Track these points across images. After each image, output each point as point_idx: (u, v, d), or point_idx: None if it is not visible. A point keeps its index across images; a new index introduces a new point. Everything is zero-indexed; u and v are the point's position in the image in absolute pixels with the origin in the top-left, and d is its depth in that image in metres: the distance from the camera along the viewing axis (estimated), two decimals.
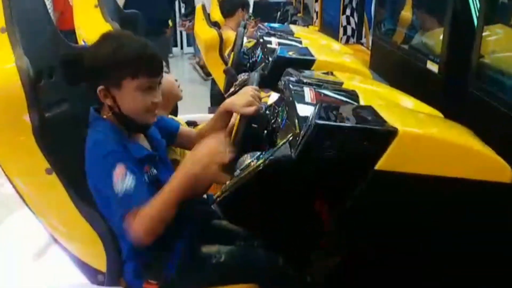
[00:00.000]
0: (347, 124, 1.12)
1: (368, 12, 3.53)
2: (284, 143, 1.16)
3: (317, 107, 1.20)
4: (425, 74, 1.91)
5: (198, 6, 4.24)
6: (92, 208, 1.36)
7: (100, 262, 1.44)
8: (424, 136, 1.12)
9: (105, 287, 1.44)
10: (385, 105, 1.48)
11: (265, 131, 1.51)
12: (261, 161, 1.13)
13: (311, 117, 1.13)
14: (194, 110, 3.15)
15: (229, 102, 1.49)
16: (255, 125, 1.49)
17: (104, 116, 1.37)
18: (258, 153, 1.23)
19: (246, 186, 1.12)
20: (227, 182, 1.18)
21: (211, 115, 1.68)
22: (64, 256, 1.50)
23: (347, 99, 1.50)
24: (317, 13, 4.18)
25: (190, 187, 1.24)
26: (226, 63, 3.35)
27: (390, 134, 1.06)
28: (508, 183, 1.11)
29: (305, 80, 1.62)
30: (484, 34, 1.63)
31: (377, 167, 1.07)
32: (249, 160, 1.22)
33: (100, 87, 1.32)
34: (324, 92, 1.52)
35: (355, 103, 1.45)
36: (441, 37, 1.90)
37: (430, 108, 1.62)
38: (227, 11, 4.08)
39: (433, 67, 1.89)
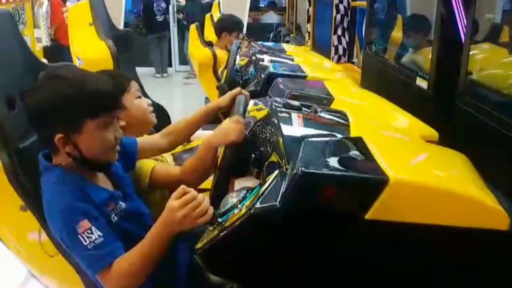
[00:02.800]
0: (336, 172, 1.04)
1: (359, 32, 3.59)
2: (269, 186, 1.11)
3: (303, 146, 1.15)
4: (415, 90, 1.94)
5: (192, 26, 4.30)
6: None
7: None
8: (416, 185, 1.05)
9: None
10: (376, 134, 1.43)
11: (253, 155, 1.46)
12: (243, 210, 1.07)
13: (297, 161, 1.07)
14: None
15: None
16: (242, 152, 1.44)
17: (59, 162, 1.25)
18: (243, 192, 1.19)
19: (229, 237, 1.07)
20: (210, 228, 1.15)
21: (206, 132, 1.68)
22: None
23: (336, 123, 1.47)
24: (309, 33, 4.25)
25: (170, 238, 1.19)
26: (219, 80, 3.39)
27: (381, 183, 1.00)
28: (506, 231, 1.05)
29: (292, 104, 1.58)
30: (471, 52, 1.68)
31: (367, 216, 1.01)
32: (234, 199, 1.19)
33: (58, 136, 1.18)
34: (312, 120, 1.48)
35: (345, 130, 1.41)
36: (430, 55, 1.94)
37: (423, 124, 1.64)
38: (216, 32, 4.16)
39: (422, 83, 1.93)
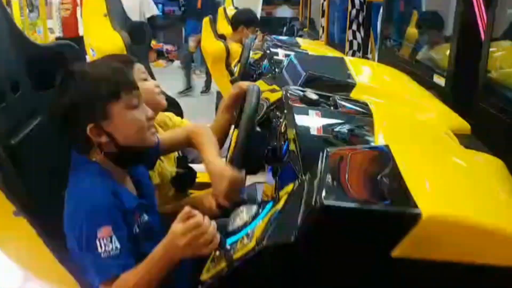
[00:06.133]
0: (360, 206, 0.90)
1: (374, 27, 3.56)
2: (282, 213, 1.01)
3: (323, 162, 1.01)
4: (431, 87, 1.91)
5: (205, 19, 4.28)
6: (66, 251, 1.22)
7: None
8: (452, 220, 0.89)
9: None
10: (403, 138, 1.29)
11: (266, 151, 1.40)
12: (253, 242, 0.97)
13: (314, 185, 0.94)
14: (200, 121, 3.16)
15: (206, 165, 1.34)
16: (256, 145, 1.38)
17: (93, 159, 1.23)
18: (254, 208, 1.11)
19: (237, 273, 0.99)
20: (217, 253, 1.07)
21: None
22: None
23: (358, 121, 1.36)
24: (323, 27, 4.21)
25: (172, 264, 1.12)
26: (232, 74, 3.37)
27: (412, 218, 0.86)
28: None
29: (310, 96, 1.44)
30: (491, 49, 1.65)
31: (393, 254, 0.88)
32: (245, 216, 1.10)
33: (90, 126, 1.17)
34: (332, 119, 1.35)
35: (368, 131, 1.29)
36: (448, 52, 1.92)
37: (454, 114, 1.55)
38: (232, 25, 4.13)
39: (439, 80, 1.90)
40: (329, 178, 0.95)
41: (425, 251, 0.89)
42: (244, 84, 1.56)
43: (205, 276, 1.05)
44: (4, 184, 1.14)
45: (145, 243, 1.21)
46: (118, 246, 1.12)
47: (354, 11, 3.26)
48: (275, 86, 1.77)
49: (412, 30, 2.69)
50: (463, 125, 1.50)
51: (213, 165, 1.33)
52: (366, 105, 1.44)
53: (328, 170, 0.98)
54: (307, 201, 0.92)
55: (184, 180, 1.66)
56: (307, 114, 1.32)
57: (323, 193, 0.89)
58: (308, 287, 0.96)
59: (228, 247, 1.05)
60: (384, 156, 1.05)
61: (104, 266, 1.12)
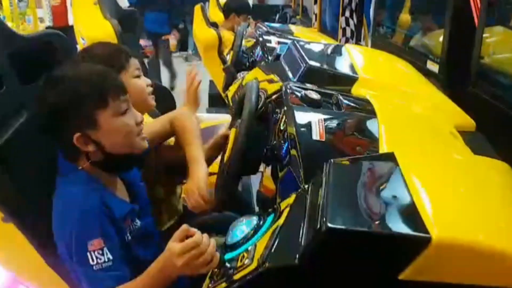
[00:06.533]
0: (368, 229, 0.86)
1: (367, 14, 3.53)
2: (285, 228, 0.97)
3: (327, 176, 0.97)
4: (425, 73, 1.91)
5: (197, 6, 4.24)
6: (58, 258, 1.19)
7: None
8: (461, 245, 0.86)
9: None
10: (409, 143, 1.25)
11: (265, 150, 1.37)
12: (254, 263, 0.93)
13: (319, 212, 0.89)
14: None
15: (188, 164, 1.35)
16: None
17: (80, 167, 1.18)
18: (255, 220, 1.07)
19: None
20: (215, 270, 1.03)
21: (210, 115, 1.62)
22: None
23: (361, 122, 1.31)
24: (316, 15, 4.18)
25: (169, 281, 1.09)
26: (224, 62, 3.35)
27: (421, 242, 0.83)
28: None
29: (311, 96, 1.38)
30: (484, 35, 1.64)
31: (401, 276, 0.86)
32: (245, 228, 1.06)
33: (77, 135, 1.12)
34: (333, 122, 1.31)
35: (372, 138, 1.23)
36: (441, 38, 1.90)
37: (458, 110, 1.51)
38: (224, 13, 4.11)
39: (433, 67, 1.89)
40: (333, 195, 0.92)
41: (434, 274, 0.86)
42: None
43: None
44: None
45: (138, 248, 1.19)
46: (110, 257, 1.09)
47: None
48: (273, 76, 1.72)
49: (405, 17, 2.68)
50: (468, 121, 1.45)
51: (192, 172, 1.33)
52: (370, 104, 1.39)
53: (332, 186, 0.94)
54: (311, 222, 0.90)
55: None
56: (309, 116, 1.26)
57: (328, 215, 0.86)
58: None
59: (228, 265, 1.01)
60: (391, 169, 1.02)
61: (97, 279, 1.09)
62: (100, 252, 1.08)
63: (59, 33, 1.51)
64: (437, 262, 0.85)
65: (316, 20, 4.17)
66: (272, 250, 0.93)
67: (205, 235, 1.05)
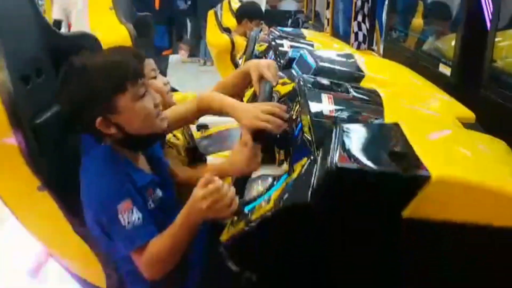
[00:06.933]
0: (372, 168, 0.95)
1: (379, 19, 3.54)
2: (298, 175, 1.06)
3: (336, 133, 1.06)
4: (437, 77, 1.91)
5: (210, 12, 4.28)
6: (86, 226, 1.29)
7: (100, 279, 1.38)
8: (460, 182, 0.95)
9: None
10: (413, 119, 1.34)
11: (277, 135, 1.40)
12: (271, 204, 1.04)
13: (329, 151, 0.99)
14: None
15: (228, 109, 1.38)
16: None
17: (103, 144, 1.28)
18: (270, 179, 1.16)
19: (255, 232, 1.05)
20: (235, 217, 1.13)
21: (223, 118, 1.64)
22: (64, 272, 1.46)
23: (369, 104, 1.39)
24: (328, 19, 4.20)
25: (196, 227, 1.20)
26: (237, 67, 3.38)
27: (421, 180, 0.92)
28: None
29: (322, 82, 1.48)
30: (496, 39, 1.65)
31: (404, 214, 0.94)
32: (260, 187, 1.16)
33: (99, 119, 1.20)
34: (343, 101, 1.38)
35: (379, 113, 1.32)
36: (453, 42, 1.91)
37: (459, 104, 1.56)
38: (237, 18, 4.15)
39: (445, 70, 1.90)
40: (342, 146, 1.00)
41: (434, 211, 0.94)
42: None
43: (224, 236, 1.10)
44: (30, 159, 1.19)
45: (161, 218, 1.25)
46: (140, 216, 1.18)
47: (359, 2, 3.24)
48: (285, 80, 1.78)
49: (417, 21, 2.68)
50: (468, 114, 1.51)
51: (239, 104, 1.37)
52: (377, 94, 1.45)
53: (341, 140, 1.03)
54: (322, 165, 0.98)
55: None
56: (320, 97, 1.34)
57: (337, 157, 0.95)
58: (323, 246, 1.01)
59: (246, 211, 1.11)
60: (394, 130, 1.11)
61: (131, 237, 1.18)
62: (130, 212, 1.17)
63: (92, 34, 1.64)
64: (437, 199, 0.94)
65: (328, 25, 4.19)
66: (287, 194, 1.03)
67: (226, 183, 1.14)
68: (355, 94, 1.45)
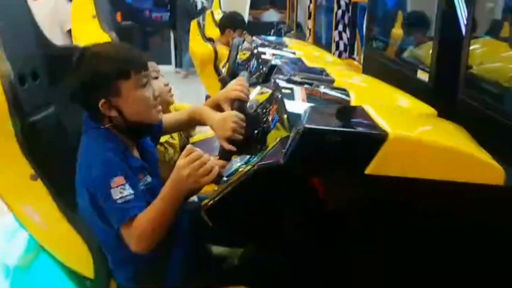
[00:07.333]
0: (336, 128, 1.11)
1: (360, 28, 3.61)
2: (273, 147, 1.16)
3: (307, 110, 1.20)
4: (416, 83, 1.96)
5: (193, 22, 4.31)
6: (77, 214, 1.35)
7: (87, 268, 1.42)
8: (414, 140, 1.10)
9: None
10: (376, 104, 1.47)
11: (256, 131, 1.52)
12: (249, 166, 1.13)
13: (301, 120, 1.12)
14: None
15: (210, 122, 1.52)
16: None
17: (102, 126, 1.37)
18: (248, 157, 1.25)
19: (234, 192, 1.13)
20: (216, 188, 1.19)
21: (205, 127, 1.70)
22: (51, 263, 1.48)
23: (338, 96, 1.52)
24: (309, 29, 4.27)
25: (178, 202, 1.27)
26: (219, 75, 3.40)
27: (380, 138, 1.05)
28: (501, 186, 1.10)
29: (295, 79, 1.65)
30: (472, 47, 1.70)
31: (367, 171, 1.06)
32: (239, 164, 1.24)
33: (102, 101, 1.31)
34: (315, 90, 1.54)
35: (346, 102, 1.46)
36: (431, 50, 1.96)
37: (423, 104, 1.65)
38: (219, 28, 4.18)
39: (423, 76, 1.94)
40: (312, 117, 1.14)
41: (393, 168, 1.07)
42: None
43: (205, 201, 1.17)
44: (26, 148, 1.26)
45: (150, 201, 1.30)
46: (132, 191, 1.26)
47: (340, 12, 3.32)
48: (263, 90, 1.88)
49: (397, 31, 2.74)
50: (430, 110, 1.62)
51: (215, 115, 1.51)
52: (346, 90, 1.58)
53: (311, 115, 1.16)
54: (294, 133, 1.09)
55: None
56: (292, 89, 1.50)
57: (306, 121, 1.08)
58: (294, 205, 1.13)
59: (225, 179, 1.21)
60: (359, 109, 1.27)
61: (122, 210, 1.25)
62: (123, 187, 1.25)
63: (81, 47, 1.65)
64: (395, 157, 1.06)
65: (310, 35, 4.26)
66: (263, 158, 1.13)
67: (206, 154, 1.25)
68: (325, 90, 1.58)
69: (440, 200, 1.12)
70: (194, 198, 1.64)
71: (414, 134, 1.14)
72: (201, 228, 1.28)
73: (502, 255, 1.16)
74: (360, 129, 1.11)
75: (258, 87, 1.75)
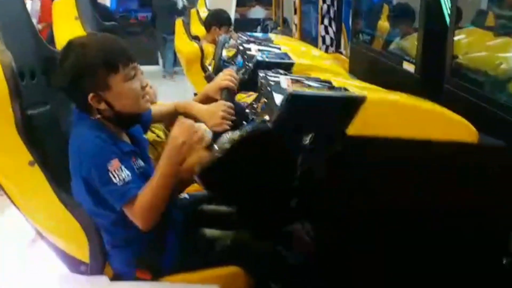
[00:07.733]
0: (319, 93, 1.26)
1: (346, 22, 3.61)
2: (260, 120, 1.24)
3: (292, 86, 1.35)
4: (403, 74, 1.96)
5: (178, 20, 4.28)
6: (74, 199, 1.37)
7: (83, 252, 1.44)
8: (391, 101, 1.25)
9: (89, 275, 1.43)
10: (357, 86, 1.58)
11: (244, 123, 1.54)
12: (239, 133, 1.20)
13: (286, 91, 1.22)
14: None
15: (199, 114, 1.55)
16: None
17: (91, 117, 1.37)
18: (237, 131, 1.28)
19: (225, 155, 1.18)
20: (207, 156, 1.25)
21: None
22: (48, 250, 1.49)
23: (322, 85, 1.55)
24: (296, 25, 4.26)
25: (176, 172, 1.32)
26: (206, 73, 3.38)
27: (359, 100, 1.16)
28: (475, 144, 1.21)
29: (279, 70, 1.70)
30: (457, 37, 1.69)
31: (348, 132, 1.15)
32: (229, 136, 1.28)
33: (91, 95, 1.32)
34: (300, 79, 1.59)
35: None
36: (416, 41, 1.96)
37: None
38: (205, 26, 4.14)
39: (409, 67, 1.94)
40: (296, 88, 1.29)
41: (372, 128, 1.16)
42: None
43: (198, 166, 1.22)
44: (23, 137, 1.29)
45: (144, 184, 1.33)
46: (129, 173, 1.29)
47: (325, 6, 3.31)
48: (251, 92, 1.94)
49: (383, 24, 2.74)
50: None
51: (203, 106, 1.56)
52: (331, 83, 1.62)
53: (295, 90, 1.27)
54: (280, 102, 1.18)
55: None
56: (279, 78, 1.57)
57: (291, 90, 1.21)
58: (286, 165, 1.19)
59: (217, 148, 1.25)
60: (338, 87, 1.39)
61: (123, 192, 1.28)
62: (119, 169, 1.28)
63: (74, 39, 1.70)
64: (373, 118, 1.16)
65: (296, 30, 4.25)
66: (252, 125, 1.24)
67: (198, 123, 1.33)
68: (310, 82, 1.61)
69: (418, 160, 1.20)
70: (185, 195, 1.68)
71: (390, 97, 1.29)
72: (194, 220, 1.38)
73: (475, 209, 1.25)
74: (340, 94, 1.23)
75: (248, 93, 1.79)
